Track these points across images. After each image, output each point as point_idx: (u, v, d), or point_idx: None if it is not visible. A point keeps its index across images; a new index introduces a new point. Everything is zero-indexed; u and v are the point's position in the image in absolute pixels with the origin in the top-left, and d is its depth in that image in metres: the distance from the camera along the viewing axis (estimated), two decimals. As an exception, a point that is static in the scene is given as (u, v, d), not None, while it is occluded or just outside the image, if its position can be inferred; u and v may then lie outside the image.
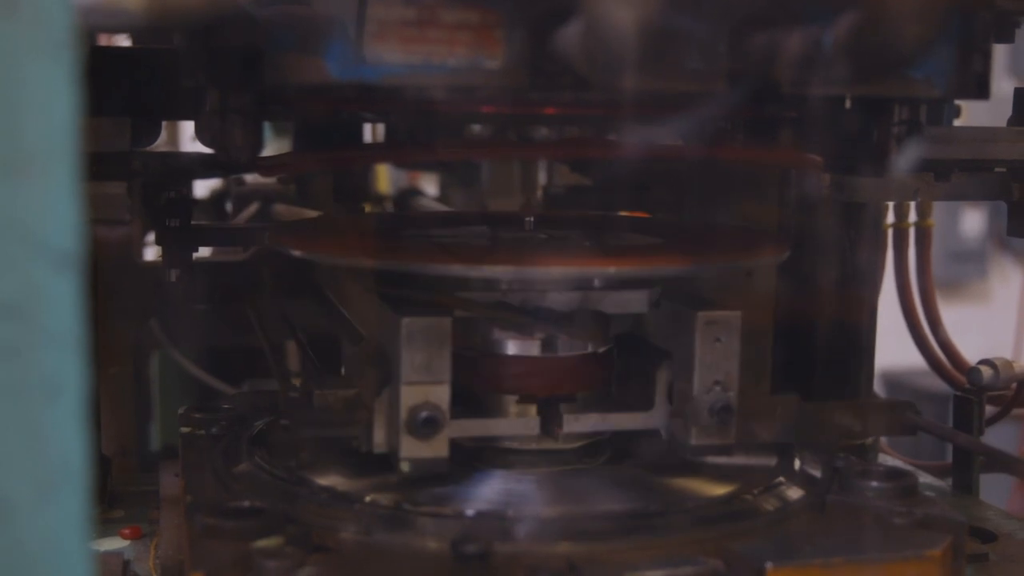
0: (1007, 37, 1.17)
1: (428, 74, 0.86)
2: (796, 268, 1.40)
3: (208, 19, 0.68)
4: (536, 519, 0.89)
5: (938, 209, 1.65)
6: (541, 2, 0.86)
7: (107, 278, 1.26)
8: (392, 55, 0.84)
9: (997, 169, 1.18)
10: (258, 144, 0.94)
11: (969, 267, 4.82)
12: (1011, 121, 1.20)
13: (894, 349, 1.62)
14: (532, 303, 0.94)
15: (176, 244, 1.10)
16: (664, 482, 1.00)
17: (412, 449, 0.89)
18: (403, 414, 0.88)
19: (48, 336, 0.54)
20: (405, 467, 0.90)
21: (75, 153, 0.53)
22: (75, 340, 0.54)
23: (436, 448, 0.89)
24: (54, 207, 0.53)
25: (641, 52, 0.72)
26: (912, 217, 1.55)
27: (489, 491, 0.96)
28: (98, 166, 0.94)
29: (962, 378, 1.42)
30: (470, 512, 0.90)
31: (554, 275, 0.93)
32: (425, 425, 0.88)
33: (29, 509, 0.54)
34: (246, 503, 0.88)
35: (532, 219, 1.09)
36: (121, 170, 0.98)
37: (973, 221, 4.74)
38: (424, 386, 0.88)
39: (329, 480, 0.95)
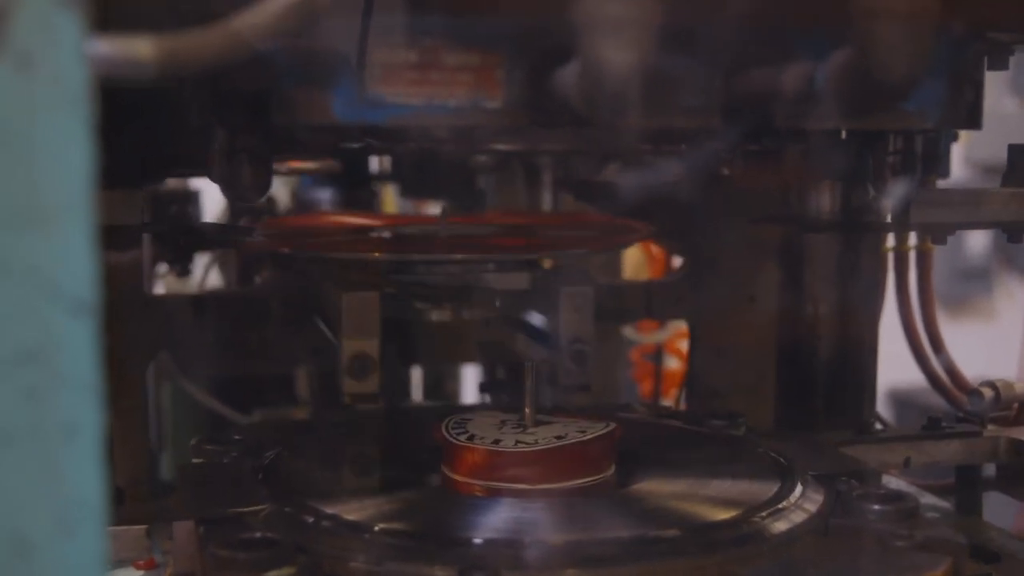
0: (1000, 65, 1.19)
1: (430, 115, 0.88)
2: (797, 291, 1.42)
3: (218, 65, 0.70)
4: (542, 545, 0.91)
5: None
6: (540, 44, 0.88)
7: (118, 311, 1.28)
8: (394, 97, 0.87)
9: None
10: (267, 183, 0.96)
11: (974, 285, 4.83)
12: (1005, 179, 1.22)
13: (902, 366, 1.63)
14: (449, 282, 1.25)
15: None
16: (669, 507, 1.02)
17: (352, 387, 1.18)
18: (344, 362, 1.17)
19: (65, 380, 0.56)
20: (348, 400, 1.19)
21: (90, 204, 0.55)
22: (91, 384, 0.56)
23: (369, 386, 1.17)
24: (70, 257, 0.55)
25: (637, 91, 0.73)
26: (912, 240, 1.57)
27: (496, 518, 0.97)
28: (111, 237, 0.97)
29: (964, 398, 1.43)
30: (478, 540, 0.92)
31: (419, 259, 1.25)
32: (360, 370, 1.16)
33: (47, 547, 0.56)
34: (257, 534, 0.90)
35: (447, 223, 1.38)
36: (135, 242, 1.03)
37: (978, 238, 4.75)
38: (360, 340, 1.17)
39: (338, 509, 0.97)
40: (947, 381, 1.56)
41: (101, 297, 0.56)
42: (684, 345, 1.81)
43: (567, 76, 0.80)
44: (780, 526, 0.96)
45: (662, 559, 0.89)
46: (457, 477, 1.04)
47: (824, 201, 1.40)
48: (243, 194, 0.95)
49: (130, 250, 1.07)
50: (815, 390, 1.35)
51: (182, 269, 1.87)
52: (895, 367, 1.56)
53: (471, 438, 1.05)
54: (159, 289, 1.92)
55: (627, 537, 0.93)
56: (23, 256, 0.55)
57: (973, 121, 1.01)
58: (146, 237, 1.64)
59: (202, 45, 0.69)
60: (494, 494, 1.02)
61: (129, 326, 1.29)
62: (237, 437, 1.15)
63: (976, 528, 1.22)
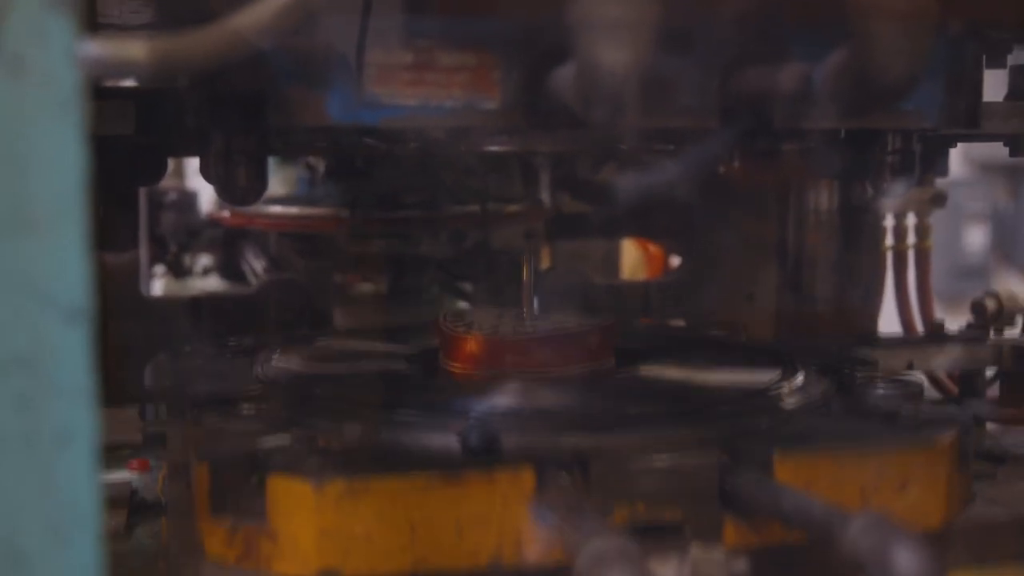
0: (999, 63, 1.19)
1: (426, 116, 0.87)
2: (796, 289, 1.42)
3: (212, 66, 0.69)
4: (543, 415, 0.90)
5: (940, 224, 1.67)
6: (536, 44, 0.88)
7: (114, 312, 1.28)
8: (390, 98, 0.86)
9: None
10: (262, 184, 0.95)
11: (972, 282, 4.83)
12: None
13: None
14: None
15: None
16: (671, 387, 1.03)
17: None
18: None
19: (58, 388, 0.55)
20: None
21: (83, 210, 0.55)
22: (85, 390, 0.56)
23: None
24: (63, 263, 0.55)
25: (633, 92, 0.73)
26: (911, 239, 1.57)
27: (493, 396, 0.96)
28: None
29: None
30: (475, 412, 0.90)
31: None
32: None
33: (42, 556, 0.55)
34: (250, 409, 0.88)
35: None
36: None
37: (976, 236, 4.75)
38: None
39: (332, 389, 0.96)
40: (944, 378, 1.56)
41: (94, 303, 0.55)
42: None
43: (563, 77, 0.79)
44: (783, 403, 0.95)
45: (665, 430, 0.87)
46: (456, 366, 1.03)
47: (823, 199, 1.40)
48: (238, 196, 0.95)
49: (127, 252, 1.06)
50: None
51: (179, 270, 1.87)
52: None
53: (469, 327, 1.04)
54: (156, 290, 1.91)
55: (626, 408, 0.92)
56: (15, 262, 0.55)
57: (972, 121, 1.00)
58: (143, 238, 1.65)
59: (196, 46, 0.69)
60: (492, 379, 1.00)
61: (125, 326, 1.28)
62: (231, 342, 1.16)
63: (980, 434, 1.21)
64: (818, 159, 1.12)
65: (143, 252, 1.75)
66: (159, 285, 1.94)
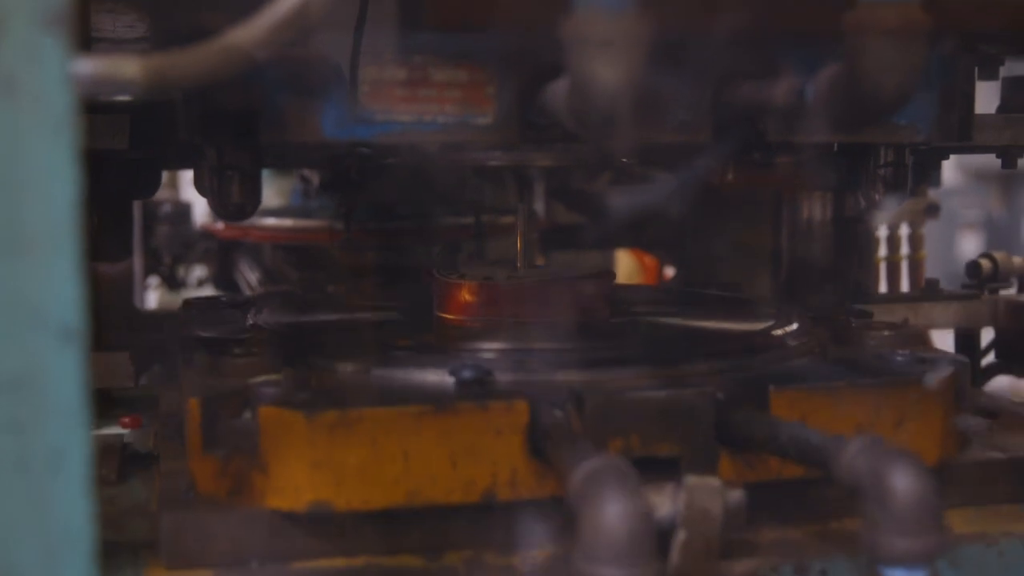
0: (991, 75, 1.19)
1: (420, 131, 0.87)
2: (789, 298, 1.42)
3: (206, 83, 0.69)
4: (537, 354, 0.89)
5: (933, 233, 1.67)
6: (529, 60, 0.88)
7: (110, 322, 1.27)
8: (384, 114, 0.86)
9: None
10: (256, 199, 0.95)
11: (967, 290, 4.83)
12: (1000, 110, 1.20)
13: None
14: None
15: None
16: (667, 332, 1.03)
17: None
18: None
19: (51, 409, 0.55)
20: None
21: (76, 230, 0.55)
22: (78, 411, 0.56)
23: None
24: (56, 284, 0.55)
25: (627, 107, 0.73)
26: (904, 250, 1.57)
27: (487, 338, 0.96)
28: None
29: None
30: (468, 351, 0.90)
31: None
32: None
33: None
34: (244, 350, 0.88)
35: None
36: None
37: (969, 244, 4.76)
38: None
39: (326, 333, 0.96)
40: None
41: (87, 323, 0.55)
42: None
43: (557, 92, 0.79)
44: (779, 344, 0.95)
45: (659, 366, 0.87)
46: (448, 314, 1.03)
47: (816, 210, 1.40)
48: (232, 212, 0.95)
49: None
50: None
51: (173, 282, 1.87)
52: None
53: (462, 277, 1.03)
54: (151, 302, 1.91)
55: (620, 349, 0.92)
56: (8, 283, 0.55)
57: (964, 134, 1.00)
58: (137, 250, 1.65)
59: (189, 63, 0.69)
60: (486, 325, 1.00)
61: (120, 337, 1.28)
62: (223, 297, 1.16)
63: (976, 393, 1.21)
64: (811, 171, 1.12)
65: (137, 263, 1.75)
66: (153, 296, 1.94)
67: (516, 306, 1.00)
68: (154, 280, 1.96)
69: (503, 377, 0.82)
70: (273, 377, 0.82)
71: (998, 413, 1.06)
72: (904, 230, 1.56)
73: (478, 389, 0.80)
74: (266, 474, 0.76)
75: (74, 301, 0.55)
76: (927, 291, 1.35)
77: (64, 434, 0.56)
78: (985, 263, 1.30)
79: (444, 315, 1.03)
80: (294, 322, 1.05)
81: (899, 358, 0.89)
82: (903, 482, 0.65)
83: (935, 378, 0.85)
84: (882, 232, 1.53)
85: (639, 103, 0.73)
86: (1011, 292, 1.34)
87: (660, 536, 0.67)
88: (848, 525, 0.83)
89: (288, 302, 1.15)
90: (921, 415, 0.84)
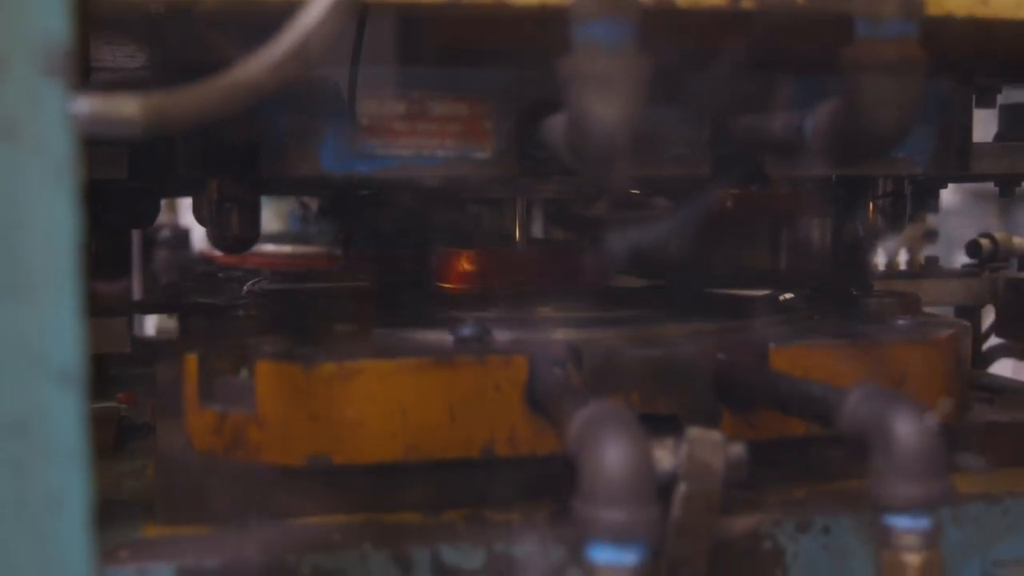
0: (988, 103, 1.20)
1: (419, 165, 0.88)
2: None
3: (205, 122, 0.70)
4: (536, 314, 0.89)
5: (932, 252, 1.67)
6: (527, 93, 0.88)
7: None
8: (383, 148, 0.87)
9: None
10: (255, 232, 0.95)
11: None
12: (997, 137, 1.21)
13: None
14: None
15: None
16: (667, 299, 1.04)
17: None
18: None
19: (52, 452, 0.55)
20: None
21: (77, 274, 0.55)
22: (77, 454, 0.56)
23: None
24: (57, 327, 0.55)
25: (625, 143, 0.73)
26: (902, 257, 1.57)
27: (484, 304, 0.96)
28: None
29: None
30: (468, 313, 0.90)
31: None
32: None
33: (34, 620, 0.55)
34: (242, 312, 0.88)
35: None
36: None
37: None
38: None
39: (322, 301, 0.96)
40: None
41: (87, 367, 0.56)
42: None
43: (555, 127, 0.79)
44: (780, 306, 0.94)
45: (659, 326, 0.86)
46: (448, 284, 1.03)
47: (815, 234, 1.40)
48: (231, 245, 0.94)
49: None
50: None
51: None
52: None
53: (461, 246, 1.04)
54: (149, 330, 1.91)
55: (621, 310, 0.92)
56: (8, 325, 0.55)
57: (962, 164, 1.01)
58: (136, 275, 1.65)
59: (189, 102, 0.69)
60: (485, 292, 1.00)
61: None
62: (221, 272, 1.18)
63: (978, 373, 1.21)
64: (809, 200, 1.12)
65: (136, 288, 1.75)
66: (151, 322, 1.94)
67: (513, 275, 1.00)
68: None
69: (502, 336, 0.82)
70: (270, 337, 0.82)
71: (1002, 391, 1.05)
72: (903, 255, 1.56)
73: (477, 345, 0.80)
74: (263, 429, 0.75)
75: (74, 344, 0.55)
76: (927, 268, 1.34)
77: (64, 476, 0.56)
78: (985, 242, 1.30)
79: (443, 284, 1.03)
80: (292, 288, 1.05)
81: (900, 321, 0.89)
82: (906, 428, 0.64)
83: (937, 337, 0.83)
84: (881, 258, 1.53)
85: (637, 138, 0.73)
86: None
87: (661, 491, 0.66)
88: (851, 485, 0.83)
89: (286, 276, 1.15)
90: (924, 374, 0.83)
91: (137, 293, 1.81)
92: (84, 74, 0.98)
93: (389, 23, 0.77)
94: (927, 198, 1.35)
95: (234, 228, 0.93)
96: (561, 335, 0.83)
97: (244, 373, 0.78)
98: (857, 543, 0.79)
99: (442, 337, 0.82)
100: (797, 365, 0.80)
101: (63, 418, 0.55)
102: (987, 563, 0.82)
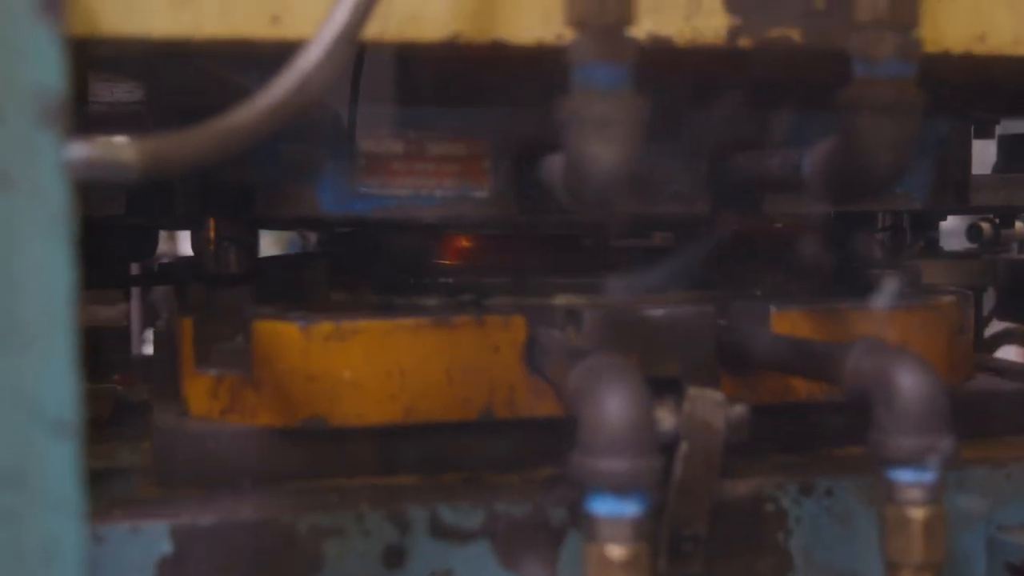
0: (987, 134, 1.20)
1: (417, 205, 0.87)
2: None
3: (202, 165, 0.69)
4: (537, 279, 0.88)
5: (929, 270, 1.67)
6: (526, 133, 0.88)
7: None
8: (381, 188, 0.86)
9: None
10: (252, 267, 0.95)
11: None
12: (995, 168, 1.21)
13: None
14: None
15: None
16: (667, 261, 1.01)
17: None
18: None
19: (46, 501, 0.55)
20: None
21: (72, 324, 0.55)
22: (72, 504, 0.55)
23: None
24: (51, 378, 0.55)
25: (623, 183, 0.73)
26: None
27: (490, 273, 0.94)
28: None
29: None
30: (467, 280, 0.89)
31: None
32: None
33: (29, 672, 0.55)
34: (237, 279, 0.88)
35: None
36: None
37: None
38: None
39: (327, 272, 0.95)
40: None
41: (83, 418, 0.55)
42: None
43: (552, 168, 0.79)
44: (780, 272, 0.94)
45: (658, 292, 0.86)
46: (447, 262, 1.01)
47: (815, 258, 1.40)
48: (229, 280, 0.94)
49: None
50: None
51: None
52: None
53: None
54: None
55: (625, 278, 0.90)
56: (3, 376, 0.55)
57: (961, 198, 1.01)
58: (135, 304, 1.64)
59: (186, 146, 0.69)
60: (484, 267, 0.98)
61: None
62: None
63: (981, 356, 1.20)
64: (809, 234, 1.12)
65: (135, 318, 1.74)
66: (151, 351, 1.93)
67: (511, 256, 0.99)
68: (151, 334, 1.95)
69: (502, 301, 0.81)
70: (269, 307, 0.81)
71: (1005, 372, 1.05)
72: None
73: (475, 308, 0.78)
74: (259, 391, 0.74)
75: (69, 394, 0.55)
76: (927, 250, 1.34)
77: (58, 525, 0.56)
78: (985, 226, 1.31)
79: (443, 262, 1.02)
80: (288, 259, 1.04)
81: (903, 289, 0.89)
82: (909, 380, 0.63)
83: (938, 302, 0.83)
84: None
85: (635, 178, 0.73)
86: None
87: (663, 452, 0.65)
88: (852, 452, 0.82)
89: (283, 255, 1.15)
90: (925, 339, 0.83)
91: (136, 325, 1.81)
92: (80, 110, 0.98)
93: (387, 63, 0.77)
94: (926, 230, 1.35)
95: (232, 267, 0.92)
96: (560, 300, 0.83)
97: (240, 339, 0.77)
98: (859, 506, 0.79)
99: (441, 301, 0.81)
100: (798, 329, 0.79)
101: (58, 468, 0.55)
102: (991, 527, 0.82)
